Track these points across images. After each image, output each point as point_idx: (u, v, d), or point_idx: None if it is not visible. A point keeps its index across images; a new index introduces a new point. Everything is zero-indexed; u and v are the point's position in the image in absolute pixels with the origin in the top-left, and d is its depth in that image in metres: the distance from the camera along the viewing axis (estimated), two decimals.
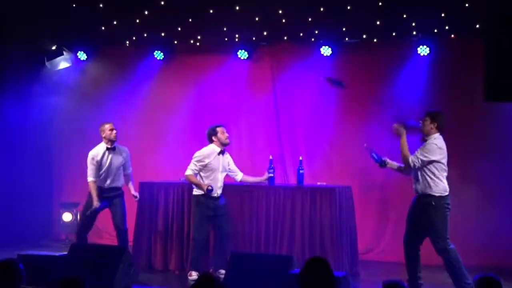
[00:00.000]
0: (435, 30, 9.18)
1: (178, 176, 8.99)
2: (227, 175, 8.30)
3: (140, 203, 8.85)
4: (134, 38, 10.33)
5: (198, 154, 8.12)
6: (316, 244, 8.13)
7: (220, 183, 8.15)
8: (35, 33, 10.01)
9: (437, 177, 7.20)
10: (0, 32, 9.86)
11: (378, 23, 9.12)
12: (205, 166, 8.06)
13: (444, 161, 7.30)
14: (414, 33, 9.31)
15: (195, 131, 10.45)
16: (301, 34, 9.76)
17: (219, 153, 8.13)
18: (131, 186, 8.60)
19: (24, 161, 10.59)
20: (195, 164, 8.07)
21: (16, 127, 10.39)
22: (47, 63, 10.41)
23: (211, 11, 9.15)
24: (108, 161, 8.33)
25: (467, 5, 8.36)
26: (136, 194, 8.59)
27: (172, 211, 8.76)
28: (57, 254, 8.16)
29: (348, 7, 8.75)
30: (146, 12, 9.37)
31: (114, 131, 8.37)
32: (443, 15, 8.76)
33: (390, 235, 9.53)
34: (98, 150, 8.34)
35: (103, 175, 8.32)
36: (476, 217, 9.03)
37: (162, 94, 10.56)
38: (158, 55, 10.38)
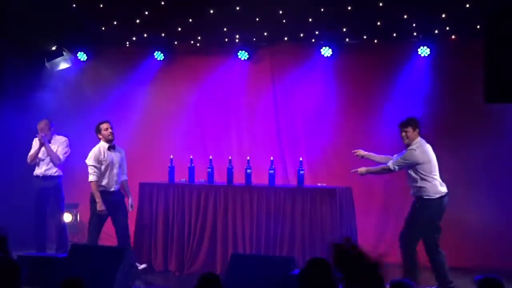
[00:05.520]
0: (436, 31, 9.18)
1: (178, 176, 8.99)
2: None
3: (140, 204, 8.85)
4: (134, 38, 10.32)
5: None
6: (317, 245, 8.12)
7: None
8: (35, 34, 10.00)
9: (425, 180, 7.48)
10: (0, 32, 9.85)
11: (378, 24, 9.11)
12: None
13: (428, 163, 7.55)
14: (415, 34, 9.30)
15: (195, 131, 10.46)
16: (301, 35, 9.75)
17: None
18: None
19: (24, 161, 10.57)
20: None
21: (16, 127, 10.37)
22: (47, 64, 10.39)
23: (211, 11, 9.14)
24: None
25: (467, 6, 8.36)
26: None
27: (172, 212, 8.76)
28: (57, 255, 8.17)
29: (349, 8, 8.74)
30: (146, 12, 9.37)
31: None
32: (443, 16, 8.76)
33: (390, 236, 9.51)
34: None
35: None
36: (478, 218, 9.01)
37: (162, 94, 10.55)
38: (158, 55, 10.36)
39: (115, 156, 8.35)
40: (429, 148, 7.70)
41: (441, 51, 9.29)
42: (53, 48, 10.46)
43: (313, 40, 9.80)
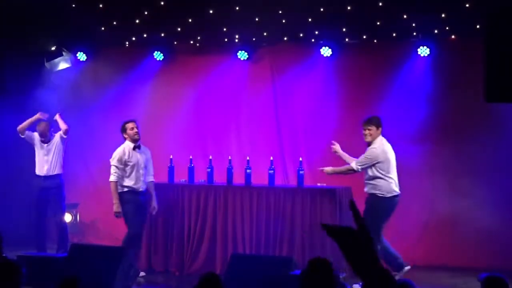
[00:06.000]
0: (435, 31, 9.17)
1: (178, 177, 8.99)
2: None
3: None
4: (134, 38, 10.31)
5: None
6: (316, 245, 8.12)
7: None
8: (34, 34, 9.99)
9: (382, 178, 7.62)
10: (0, 32, 9.84)
11: (378, 23, 9.11)
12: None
13: (387, 162, 7.68)
14: (414, 33, 9.30)
15: (195, 131, 10.45)
16: (301, 35, 9.74)
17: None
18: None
19: (24, 161, 10.56)
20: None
21: (15, 128, 10.36)
22: (46, 64, 10.38)
23: (211, 12, 9.14)
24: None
25: (467, 5, 8.36)
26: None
27: (172, 212, 8.75)
28: (57, 255, 8.17)
29: (348, 8, 8.74)
30: (146, 12, 9.36)
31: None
32: (443, 15, 8.76)
33: (390, 236, 9.50)
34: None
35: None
36: (478, 217, 9.01)
37: (162, 94, 10.54)
38: (158, 55, 10.35)
39: (140, 156, 8.26)
40: (389, 147, 7.79)
41: (441, 51, 9.29)
42: (53, 48, 10.45)
43: (312, 40, 9.80)
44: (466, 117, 9.18)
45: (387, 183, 7.67)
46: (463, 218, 8.86)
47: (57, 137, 9.17)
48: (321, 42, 9.67)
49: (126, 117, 10.44)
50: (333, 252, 7.96)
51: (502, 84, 6.17)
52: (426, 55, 9.27)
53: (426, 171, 9.31)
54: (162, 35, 10.08)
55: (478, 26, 8.68)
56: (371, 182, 7.71)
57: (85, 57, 10.63)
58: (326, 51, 9.66)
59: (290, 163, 9.96)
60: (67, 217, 10.71)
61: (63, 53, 10.39)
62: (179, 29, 9.83)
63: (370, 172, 7.69)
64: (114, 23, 9.82)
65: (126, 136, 8.30)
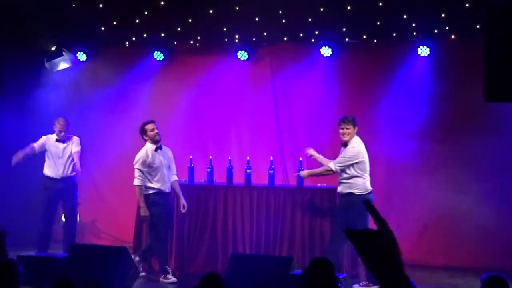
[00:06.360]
0: (435, 31, 9.18)
1: (178, 177, 8.98)
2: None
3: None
4: (133, 38, 10.31)
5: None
6: (316, 245, 8.12)
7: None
8: (34, 34, 9.99)
9: (359, 177, 7.67)
10: (0, 32, 9.84)
11: (378, 23, 9.11)
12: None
13: (365, 161, 7.73)
14: (414, 33, 9.30)
15: (195, 131, 10.45)
16: (301, 35, 9.75)
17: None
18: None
19: (24, 161, 10.56)
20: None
21: (15, 127, 10.36)
22: (46, 64, 10.38)
23: (211, 11, 9.14)
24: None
25: (467, 5, 8.36)
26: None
27: (172, 212, 8.75)
28: (57, 255, 8.16)
29: (348, 8, 8.74)
30: (146, 12, 9.36)
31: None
32: (443, 15, 8.76)
33: None
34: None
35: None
36: (478, 217, 9.01)
37: (162, 94, 10.54)
38: (158, 55, 10.35)
39: (163, 156, 8.19)
40: (364, 146, 7.77)
41: (441, 51, 9.29)
42: (53, 48, 10.45)
43: (312, 40, 9.80)
44: (466, 117, 9.18)
45: (364, 181, 7.72)
46: (463, 218, 8.86)
47: (73, 147, 9.01)
48: (321, 42, 9.67)
49: (126, 116, 10.47)
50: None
51: (502, 84, 6.15)
52: (426, 55, 9.27)
53: (426, 171, 9.31)
54: (162, 35, 10.08)
55: (478, 26, 8.68)
56: (348, 181, 7.71)
57: (85, 57, 10.63)
58: (326, 51, 9.66)
59: (290, 163, 9.96)
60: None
61: (63, 53, 10.39)
62: (179, 29, 9.83)
63: (348, 172, 7.69)
64: (114, 23, 9.82)
65: (146, 138, 8.17)
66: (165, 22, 9.67)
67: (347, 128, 7.77)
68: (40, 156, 10.83)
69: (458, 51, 9.24)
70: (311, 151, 8.27)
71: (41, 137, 9.16)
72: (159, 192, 8.09)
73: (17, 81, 10.45)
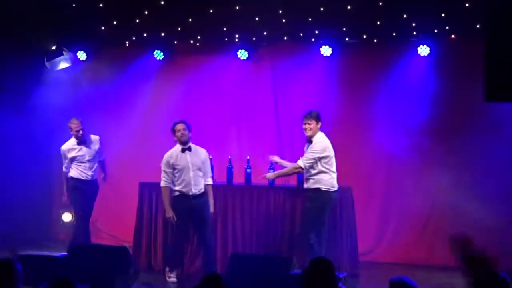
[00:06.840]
0: (435, 30, 9.18)
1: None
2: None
3: (140, 204, 8.84)
4: (134, 38, 10.31)
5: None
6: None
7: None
8: (34, 34, 9.99)
9: (326, 173, 7.68)
10: (0, 32, 9.84)
11: (378, 23, 9.11)
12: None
13: (331, 157, 7.76)
14: (414, 33, 9.30)
15: (195, 131, 10.43)
16: (301, 34, 9.74)
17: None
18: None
19: (24, 161, 10.57)
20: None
21: (15, 127, 10.37)
22: (46, 63, 10.38)
23: (211, 11, 9.14)
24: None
25: (467, 5, 8.36)
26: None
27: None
28: (56, 254, 8.16)
29: (348, 7, 8.74)
30: (146, 12, 9.36)
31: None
32: (443, 15, 8.76)
33: (390, 236, 9.51)
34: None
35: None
36: (478, 217, 9.02)
37: (162, 94, 10.55)
38: (158, 55, 10.36)
39: (191, 158, 7.97)
40: (329, 142, 7.82)
41: (441, 51, 9.30)
42: (53, 48, 10.45)
43: (312, 40, 9.79)
44: (466, 117, 9.18)
45: (330, 177, 7.73)
46: (464, 218, 8.85)
47: (95, 145, 9.03)
48: (321, 41, 9.67)
49: (126, 116, 10.48)
50: (333, 252, 7.98)
51: (502, 84, 6.15)
52: (426, 54, 9.27)
53: (426, 171, 9.32)
54: (162, 35, 10.08)
55: (478, 26, 8.68)
56: (315, 177, 7.72)
57: (85, 57, 10.63)
58: (326, 51, 9.66)
59: (290, 162, 9.95)
60: (67, 217, 10.73)
61: (63, 52, 10.39)
62: (179, 29, 9.83)
63: (315, 167, 7.71)
64: (114, 22, 9.82)
65: (175, 138, 8.09)
66: (165, 21, 9.67)
67: (309, 123, 7.81)
68: (40, 156, 10.87)
69: (458, 51, 9.24)
70: (276, 158, 8.31)
71: (43, 141, 9.16)
72: (182, 195, 7.93)
73: (18, 80, 10.46)
